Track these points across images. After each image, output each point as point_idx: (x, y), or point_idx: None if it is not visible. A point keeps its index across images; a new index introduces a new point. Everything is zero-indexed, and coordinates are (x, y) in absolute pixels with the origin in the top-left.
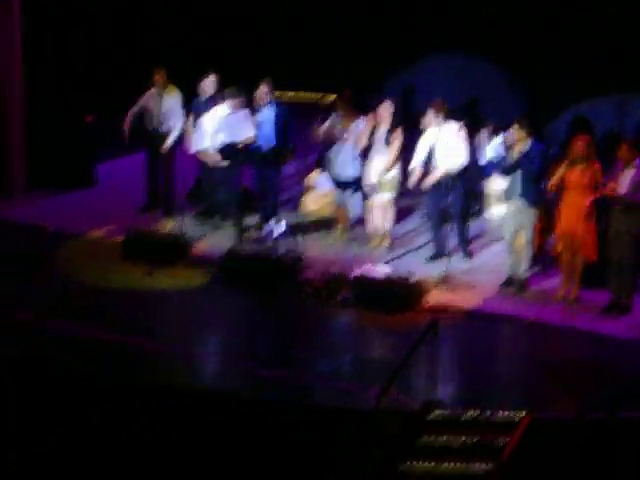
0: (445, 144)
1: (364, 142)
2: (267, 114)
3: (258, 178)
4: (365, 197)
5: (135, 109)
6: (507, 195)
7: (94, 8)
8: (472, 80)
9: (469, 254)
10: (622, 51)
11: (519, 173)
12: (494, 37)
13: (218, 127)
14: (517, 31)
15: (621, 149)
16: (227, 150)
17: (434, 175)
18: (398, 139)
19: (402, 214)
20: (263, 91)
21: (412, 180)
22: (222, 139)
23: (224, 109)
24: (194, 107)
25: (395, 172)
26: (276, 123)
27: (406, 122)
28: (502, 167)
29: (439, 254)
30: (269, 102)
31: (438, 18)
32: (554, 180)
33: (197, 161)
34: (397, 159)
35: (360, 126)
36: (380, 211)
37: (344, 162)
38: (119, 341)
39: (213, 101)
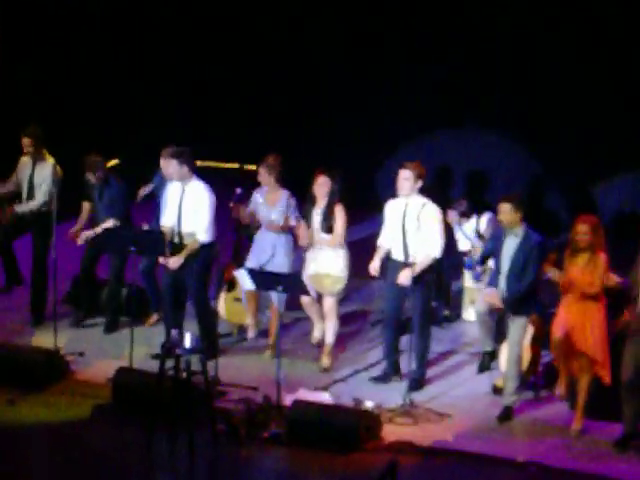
0: (417, 225)
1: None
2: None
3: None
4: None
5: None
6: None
7: None
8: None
9: (420, 383)
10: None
11: (505, 273)
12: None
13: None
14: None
15: None
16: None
17: (408, 271)
18: (340, 219)
19: (350, 320)
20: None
21: (375, 264)
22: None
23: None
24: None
25: (342, 267)
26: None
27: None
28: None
29: (390, 373)
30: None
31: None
32: (562, 280)
33: (81, 252)
34: (342, 247)
35: (286, 202)
36: (316, 306)
37: (275, 252)
38: None
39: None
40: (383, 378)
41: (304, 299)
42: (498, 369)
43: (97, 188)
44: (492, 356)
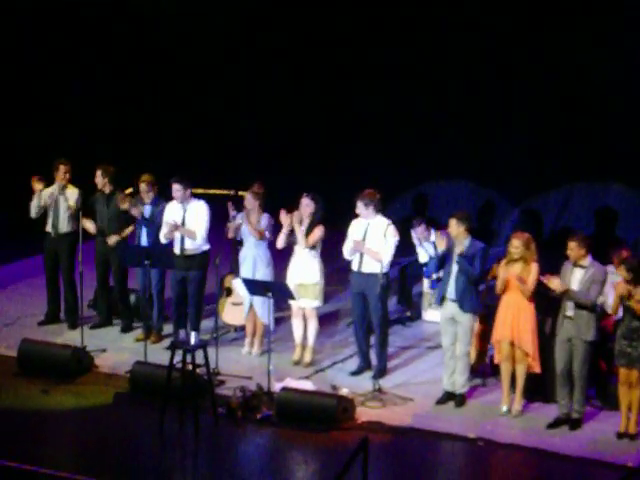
0: (375, 241)
1: (280, 244)
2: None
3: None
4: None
5: (37, 202)
6: (439, 299)
7: None
8: None
9: (382, 373)
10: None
11: (454, 275)
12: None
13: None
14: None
15: (569, 246)
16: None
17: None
18: (317, 234)
19: (328, 321)
20: (144, 187)
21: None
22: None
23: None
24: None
25: (319, 278)
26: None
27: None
28: (434, 268)
29: (364, 367)
30: (154, 199)
31: None
32: (499, 285)
33: (97, 266)
34: (316, 258)
35: (264, 223)
36: (302, 321)
37: (256, 264)
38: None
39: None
40: (359, 371)
41: (294, 308)
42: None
43: (104, 200)
44: (450, 396)
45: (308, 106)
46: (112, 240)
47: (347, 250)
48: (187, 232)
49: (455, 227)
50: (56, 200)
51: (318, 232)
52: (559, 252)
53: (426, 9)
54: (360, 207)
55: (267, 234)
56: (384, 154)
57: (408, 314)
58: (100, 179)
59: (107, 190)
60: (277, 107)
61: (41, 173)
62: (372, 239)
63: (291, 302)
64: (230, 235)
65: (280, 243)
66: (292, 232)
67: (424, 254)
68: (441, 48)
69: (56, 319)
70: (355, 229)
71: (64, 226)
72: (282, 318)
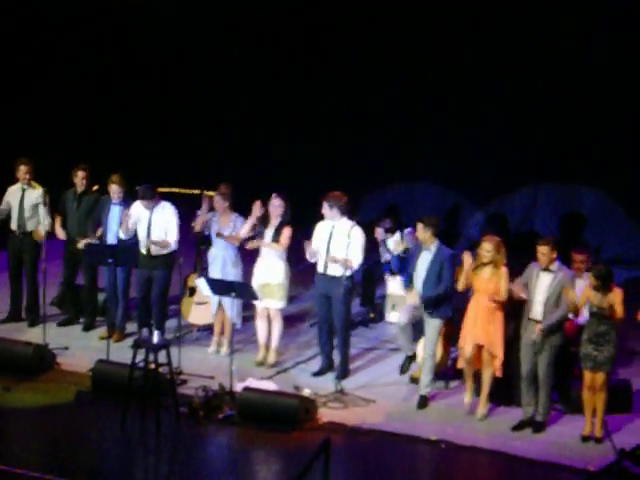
0: (339, 243)
1: (243, 233)
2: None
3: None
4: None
5: (3, 206)
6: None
7: None
8: None
9: (344, 374)
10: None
11: (421, 277)
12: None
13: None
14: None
15: (541, 250)
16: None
17: (336, 258)
18: (287, 235)
19: (291, 322)
20: (115, 187)
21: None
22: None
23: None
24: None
25: (283, 278)
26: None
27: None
28: (403, 273)
29: (326, 367)
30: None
31: None
32: (461, 283)
33: (63, 263)
34: (283, 260)
35: (237, 223)
36: (266, 321)
37: (225, 264)
38: None
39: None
40: (321, 372)
41: (258, 308)
42: (416, 363)
43: (75, 198)
44: (411, 359)
45: (277, 106)
46: (81, 244)
47: (310, 253)
48: (162, 244)
49: (422, 232)
50: (21, 199)
51: (287, 232)
52: (525, 254)
53: (394, 9)
54: (325, 208)
55: (241, 232)
56: (351, 156)
57: (371, 316)
58: (80, 180)
59: (79, 189)
60: (246, 106)
61: (6, 170)
62: (337, 242)
63: (255, 303)
64: (197, 228)
65: (243, 232)
66: (255, 226)
67: (386, 255)
68: (409, 51)
69: (19, 317)
70: (320, 231)
71: (29, 225)
72: (249, 317)
